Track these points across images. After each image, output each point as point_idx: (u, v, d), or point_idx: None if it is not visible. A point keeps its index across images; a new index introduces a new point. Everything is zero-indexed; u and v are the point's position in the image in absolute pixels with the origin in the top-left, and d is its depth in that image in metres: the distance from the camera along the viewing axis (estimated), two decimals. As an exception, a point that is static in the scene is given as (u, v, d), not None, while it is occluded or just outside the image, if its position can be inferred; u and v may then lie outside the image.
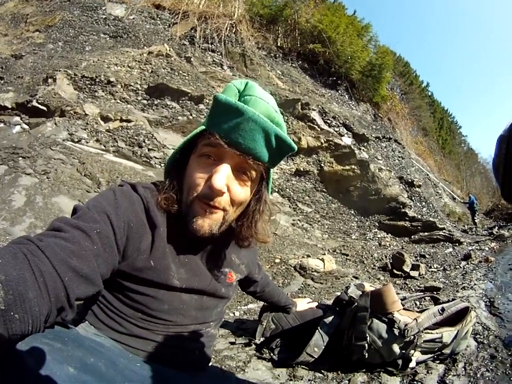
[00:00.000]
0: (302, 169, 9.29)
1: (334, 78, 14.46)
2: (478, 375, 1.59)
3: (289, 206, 8.73)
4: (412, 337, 1.54)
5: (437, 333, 1.61)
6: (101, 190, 6.13)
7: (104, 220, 0.87)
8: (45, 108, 7.72)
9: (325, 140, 9.55)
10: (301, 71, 13.86)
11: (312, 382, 1.63)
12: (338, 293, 2.10)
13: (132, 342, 1.00)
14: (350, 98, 14.46)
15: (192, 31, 12.59)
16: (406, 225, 8.68)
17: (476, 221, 13.89)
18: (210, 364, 1.35)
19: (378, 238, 8.32)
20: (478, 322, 2.16)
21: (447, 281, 4.05)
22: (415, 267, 4.58)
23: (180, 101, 9.28)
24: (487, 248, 6.13)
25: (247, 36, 13.15)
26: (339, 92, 14.31)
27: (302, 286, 4.13)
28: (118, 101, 8.87)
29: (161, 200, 1.02)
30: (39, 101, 7.72)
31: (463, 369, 1.66)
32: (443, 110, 40.88)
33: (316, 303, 2.10)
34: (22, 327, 0.57)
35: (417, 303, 2.86)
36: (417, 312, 1.72)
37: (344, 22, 15.24)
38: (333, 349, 1.75)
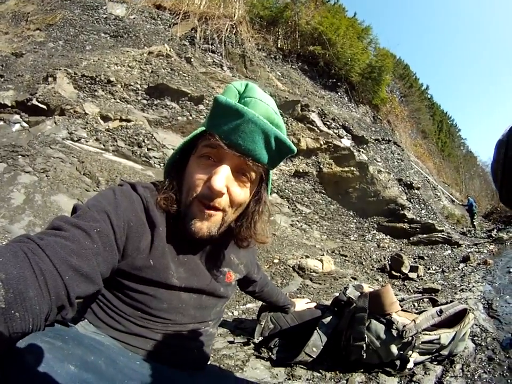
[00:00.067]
0: (301, 170, 9.30)
1: (334, 80, 14.46)
2: (476, 377, 1.59)
3: (288, 207, 8.74)
4: (410, 338, 1.54)
5: (435, 335, 1.62)
6: (100, 189, 6.13)
7: (104, 219, 0.87)
8: (44, 107, 7.72)
9: (324, 141, 9.56)
10: (301, 73, 13.86)
11: (311, 381, 1.63)
12: (337, 294, 2.10)
13: (131, 340, 1.00)
14: (349, 100, 14.46)
15: (193, 31, 12.59)
16: (404, 227, 8.70)
17: (474, 223, 13.88)
18: (209, 363, 1.35)
19: (377, 239, 8.33)
20: (476, 324, 2.16)
21: (446, 283, 4.05)
22: (413, 269, 4.59)
23: (180, 101, 9.29)
24: (485, 251, 6.13)
25: (247, 37, 13.15)
26: (339, 93, 14.32)
27: (301, 286, 4.14)
28: (118, 101, 8.87)
29: (161, 200, 1.02)
30: (39, 100, 7.72)
31: (460, 370, 1.66)
32: (442, 112, 40.93)
33: (314, 304, 2.10)
34: (22, 326, 0.57)
35: (416, 304, 2.87)
36: (415, 313, 1.72)
37: (344, 24, 15.24)
38: (331, 349, 1.75)
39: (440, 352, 1.68)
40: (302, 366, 1.73)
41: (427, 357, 1.67)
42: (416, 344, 1.55)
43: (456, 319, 1.71)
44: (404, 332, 1.53)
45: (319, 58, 14.20)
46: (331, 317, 1.81)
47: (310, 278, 4.37)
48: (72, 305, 0.72)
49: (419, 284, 4.15)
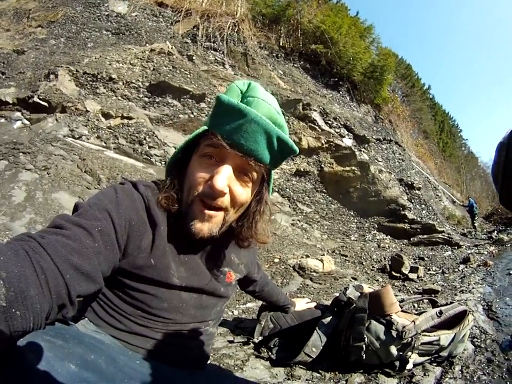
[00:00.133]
0: (302, 169, 9.30)
1: (336, 79, 14.45)
2: (475, 379, 1.59)
3: (289, 206, 8.74)
4: (410, 339, 1.54)
5: (435, 336, 1.62)
6: (101, 187, 6.13)
7: (105, 218, 0.87)
8: (46, 104, 7.72)
9: (326, 140, 9.55)
10: (303, 72, 13.86)
11: (310, 381, 1.63)
12: (337, 294, 2.10)
13: (131, 339, 1.00)
14: (351, 99, 14.46)
15: (195, 29, 12.58)
16: (405, 227, 8.69)
17: (475, 224, 13.88)
18: (208, 362, 1.35)
19: (378, 239, 8.33)
20: (475, 326, 2.16)
21: (446, 284, 4.05)
22: (413, 269, 4.59)
23: (181, 99, 9.28)
24: (486, 252, 6.13)
25: (249, 35, 13.14)
26: (340, 93, 14.31)
27: (301, 286, 4.14)
28: (119, 98, 8.87)
29: (162, 199, 1.02)
30: (41, 97, 7.73)
31: (459, 372, 1.66)
32: (444, 113, 40.89)
33: (315, 303, 2.10)
34: (23, 324, 0.58)
35: (415, 305, 2.87)
36: (415, 314, 1.72)
37: (346, 23, 15.24)
38: (330, 349, 1.75)
39: (440, 354, 1.68)
40: (301, 366, 1.73)
41: (426, 358, 1.67)
42: (415, 345, 1.55)
43: (455, 321, 1.71)
44: (404, 332, 1.53)
45: (321, 57, 14.20)
46: (331, 317, 1.81)
47: (310, 277, 4.37)
48: (73, 304, 0.72)
49: (419, 284, 4.15)
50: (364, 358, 1.60)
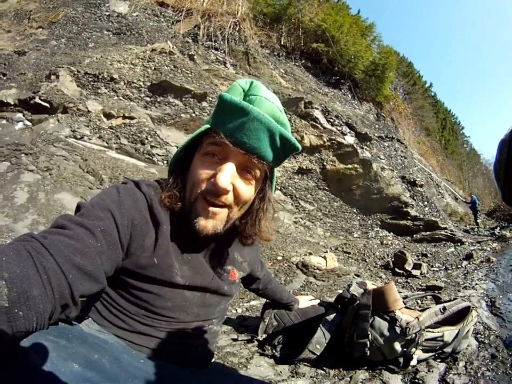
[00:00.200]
0: (304, 167, 9.29)
1: (337, 77, 14.44)
2: (479, 374, 1.59)
3: (292, 204, 8.73)
4: (414, 335, 1.54)
5: (438, 332, 1.62)
6: (104, 187, 6.14)
7: (108, 217, 0.87)
8: (47, 105, 7.71)
9: (328, 138, 9.54)
10: (304, 70, 13.84)
11: (314, 379, 1.63)
12: (340, 291, 2.10)
13: (135, 338, 1.01)
14: (353, 97, 14.44)
15: (196, 28, 12.57)
16: (408, 224, 8.68)
17: (478, 221, 13.86)
18: (213, 360, 1.36)
19: (380, 236, 8.32)
20: (479, 322, 2.16)
21: (449, 280, 4.05)
22: (416, 266, 4.59)
23: (183, 99, 9.28)
24: (488, 249, 6.12)
25: (251, 34, 13.13)
26: (342, 91, 14.30)
27: (304, 283, 4.14)
28: (121, 98, 8.87)
29: (165, 198, 1.02)
30: (42, 98, 7.72)
31: (463, 368, 1.66)
32: (446, 110, 40.83)
33: (318, 301, 2.10)
34: (26, 324, 0.58)
35: (419, 301, 2.86)
36: (418, 310, 1.72)
37: (348, 22, 15.21)
38: (334, 346, 1.75)
39: (444, 350, 1.68)
40: (305, 363, 1.73)
41: (430, 354, 1.67)
42: (419, 341, 1.55)
43: (459, 317, 1.71)
44: (408, 329, 1.53)
45: (323, 56, 14.18)
46: (335, 314, 1.81)
47: (314, 275, 4.36)
48: (76, 304, 0.72)
49: (422, 281, 4.14)
50: (368, 354, 1.60)
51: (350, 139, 9.91)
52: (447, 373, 1.62)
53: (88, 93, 8.60)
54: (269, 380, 1.61)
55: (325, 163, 9.37)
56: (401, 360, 1.62)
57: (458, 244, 7.22)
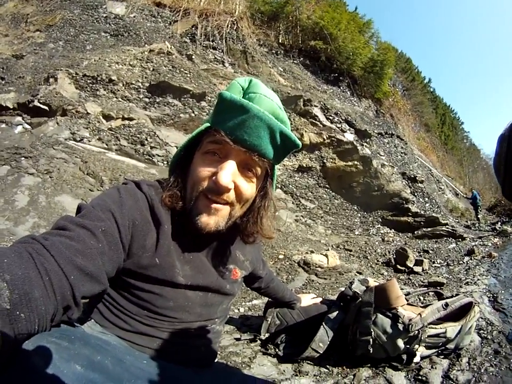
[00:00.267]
0: (304, 165, 9.28)
1: (336, 75, 14.41)
2: (482, 370, 1.59)
3: (292, 202, 8.73)
4: (416, 332, 1.54)
5: (441, 328, 1.62)
6: (104, 189, 6.14)
7: (109, 218, 0.87)
8: (46, 108, 7.71)
9: (327, 136, 9.53)
10: (303, 68, 13.81)
11: (318, 377, 1.63)
12: (343, 288, 2.10)
13: (138, 339, 1.01)
14: (352, 94, 14.41)
15: (193, 28, 12.55)
16: (409, 220, 8.67)
17: (479, 216, 13.86)
18: (216, 360, 1.36)
19: (382, 233, 8.31)
20: (481, 318, 2.16)
21: (451, 276, 4.05)
22: (418, 262, 4.59)
23: (182, 99, 9.27)
24: (490, 244, 6.11)
25: (248, 33, 13.11)
26: (341, 88, 14.27)
27: (306, 281, 4.14)
28: (120, 99, 8.87)
29: (166, 197, 1.03)
30: (41, 101, 7.72)
31: (467, 364, 1.66)
32: (445, 106, 40.78)
33: (320, 299, 2.10)
34: (28, 326, 0.57)
35: (421, 298, 2.87)
36: (421, 307, 1.72)
37: (345, 19, 15.18)
38: (337, 344, 1.75)
39: (447, 346, 1.68)
40: (309, 362, 1.73)
41: (433, 350, 1.67)
42: (422, 338, 1.55)
43: (461, 313, 1.71)
44: (410, 325, 1.53)
45: (321, 53, 14.15)
46: (337, 312, 1.81)
47: (315, 273, 4.37)
48: (77, 305, 0.72)
49: (424, 277, 4.14)
50: (371, 352, 1.60)
51: (349, 136, 9.89)
52: (450, 369, 1.62)
53: (87, 95, 8.59)
54: (273, 379, 1.61)
55: (325, 161, 9.36)
56: (404, 357, 1.62)
57: (460, 239, 7.21)
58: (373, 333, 1.59)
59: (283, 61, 13.45)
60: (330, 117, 10.16)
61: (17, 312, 0.55)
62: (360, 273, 4.50)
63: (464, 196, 17.59)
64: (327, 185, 9.30)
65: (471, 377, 1.55)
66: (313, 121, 9.84)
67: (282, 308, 1.98)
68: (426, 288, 3.05)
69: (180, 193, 1.04)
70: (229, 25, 12.69)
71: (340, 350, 1.77)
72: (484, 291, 2.90)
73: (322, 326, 1.76)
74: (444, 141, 34.84)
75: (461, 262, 4.84)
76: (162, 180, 1.13)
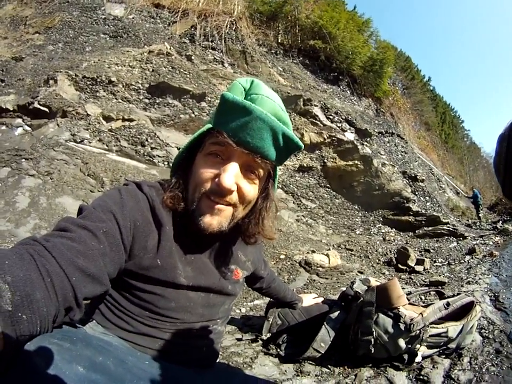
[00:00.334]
0: (305, 165, 9.28)
1: (336, 74, 14.41)
2: (484, 370, 1.59)
3: (293, 202, 8.73)
4: (418, 331, 1.54)
5: (443, 328, 1.62)
6: (105, 190, 6.15)
7: (110, 219, 0.87)
8: (46, 109, 7.72)
9: (328, 135, 9.53)
10: (302, 67, 13.81)
11: (319, 377, 1.63)
12: (344, 288, 2.11)
13: (140, 340, 1.01)
14: (351, 93, 14.41)
15: (192, 29, 12.57)
16: (410, 219, 8.67)
17: (479, 215, 13.85)
18: (217, 360, 1.36)
19: (383, 233, 8.31)
20: (483, 317, 2.16)
21: (452, 275, 4.05)
22: (419, 262, 4.59)
23: (182, 99, 9.28)
24: (491, 243, 6.11)
25: (247, 33, 13.12)
26: (341, 87, 14.27)
27: (307, 281, 4.14)
28: (120, 101, 8.87)
29: (167, 198, 1.02)
30: (41, 103, 7.73)
31: (468, 363, 1.66)
32: (445, 104, 40.77)
33: (322, 299, 2.11)
34: (30, 328, 0.57)
35: (423, 297, 2.86)
36: (422, 306, 1.72)
37: (344, 18, 15.18)
38: (339, 344, 1.75)
39: (448, 346, 1.67)
40: (310, 362, 1.73)
41: (435, 350, 1.67)
42: (424, 337, 1.55)
43: (463, 312, 1.71)
44: (412, 325, 1.53)
45: (320, 52, 14.15)
46: (338, 311, 1.81)
47: (317, 273, 4.37)
48: (79, 306, 0.72)
49: (425, 276, 4.14)
50: (373, 351, 1.60)
51: (350, 135, 9.90)
52: (452, 369, 1.62)
53: (87, 97, 8.60)
54: (274, 379, 1.61)
55: (325, 160, 9.36)
56: (405, 357, 1.61)
57: (461, 238, 7.20)
58: (374, 333, 1.59)
59: (282, 60, 13.47)
60: (331, 116, 10.17)
61: (19, 314, 0.55)
62: (361, 273, 4.49)
63: (465, 194, 17.59)
64: (327, 185, 9.30)
65: (472, 377, 1.55)
66: (314, 120, 9.84)
67: (283, 308, 1.98)
68: (427, 288, 3.05)
69: (182, 194, 1.04)
70: (228, 26, 12.71)
71: (342, 350, 1.77)
72: (485, 290, 2.89)
73: (323, 326, 1.76)
74: (444, 140, 34.83)
75: (462, 261, 4.84)
76: (164, 181, 1.13)
